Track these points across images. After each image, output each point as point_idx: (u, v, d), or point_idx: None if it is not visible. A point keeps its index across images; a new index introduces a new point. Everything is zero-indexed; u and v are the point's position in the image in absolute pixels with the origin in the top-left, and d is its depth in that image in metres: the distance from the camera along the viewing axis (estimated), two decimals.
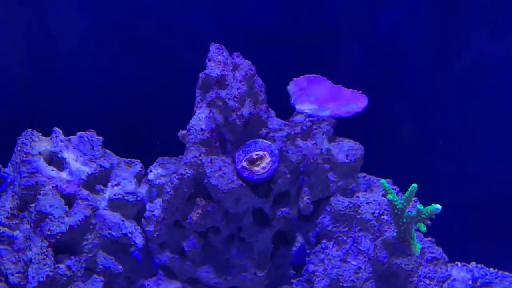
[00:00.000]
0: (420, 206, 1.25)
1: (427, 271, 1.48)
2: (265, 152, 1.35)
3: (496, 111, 1.80)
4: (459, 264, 2.18)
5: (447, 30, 1.74)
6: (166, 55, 1.80)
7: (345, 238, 1.43)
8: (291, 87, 1.68)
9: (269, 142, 1.38)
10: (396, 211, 1.27)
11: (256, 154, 1.33)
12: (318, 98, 1.68)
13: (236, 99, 1.36)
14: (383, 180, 1.29)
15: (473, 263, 2.09)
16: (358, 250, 1.39)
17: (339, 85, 1.70)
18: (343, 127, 1.66)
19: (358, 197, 1.50)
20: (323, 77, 1.72)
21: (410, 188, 1.23)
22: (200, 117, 1.39)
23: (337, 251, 1.40)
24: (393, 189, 1.57)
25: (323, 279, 1.37)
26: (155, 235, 1.43)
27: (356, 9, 1.77)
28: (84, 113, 1.84)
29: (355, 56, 1.84)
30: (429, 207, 1.23)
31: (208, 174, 1.33)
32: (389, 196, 1.26)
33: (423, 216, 1.23)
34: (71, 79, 1.84)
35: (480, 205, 1.89)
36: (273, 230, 1.42)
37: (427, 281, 1.47)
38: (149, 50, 1.80)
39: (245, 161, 1.34)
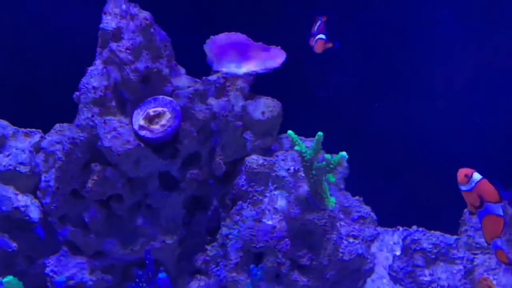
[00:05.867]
0: (328, 156, 1.17)
1: (351, 229, 1.42)
2: (165, 109, 1.24)
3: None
4: (401, 228, 2.17)
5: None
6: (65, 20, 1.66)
7: (260, 197, 1.34)
8: (208, 46, 1.59)
9: (171, 99, 1.27)
10: (305, 163, 1.19)
11: (154, 111, 1.22)
12: (237, 56, 1.59)
13: (128, 51, 1.23)
14: (290, 132, 1.21)
15: (414, 227, 2.08)
16: (274, 209, 1.31)
17: (260, 43, 1.62)
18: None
19: (277, 155, 1.42)
20: (243, 35, 1.63)
21: (316, 137, 1.15)
22: (93, 74, 1.26)
23: (251, 211, 1.31)
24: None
25: (236, 241, 1.29)
26: (52, 207, 1.30)
27: None
28: None
29: None
30: (336, 156, 1.15)
31: (101, 135, 1.21)
32: (297, 147, 1.17)
33: (331, 166, 1.16)
34: None
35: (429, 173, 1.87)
36: (182, 194, 1.32)
37: (351, 239, 1.41)
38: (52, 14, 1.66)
39: (142, 119, 1.22)
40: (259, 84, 1.57)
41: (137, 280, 0.89)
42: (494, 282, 1.41)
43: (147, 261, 0.90)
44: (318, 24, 1.51)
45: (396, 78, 1.84)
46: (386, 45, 1.81)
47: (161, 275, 0.82)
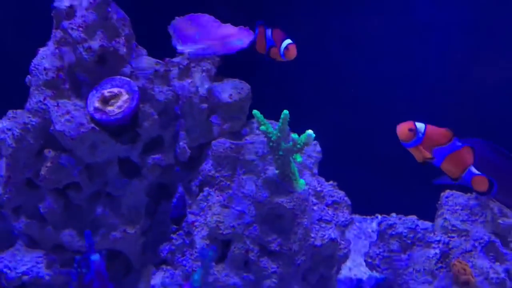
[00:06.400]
0: (295, 136, 1.12)
1: (323, 214, 1.37)
2: (121, 90, 1.16)
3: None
4: (379, 216, 2.13)
5: None
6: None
7: (228, 182, 1.28)
8: (172, 27, 1.52)
9: (128, 79, 1.20)
10: (271, 143, 1.13)
11: (109, 92, 1.15)
12: (203, 37, 1.53)
13: (80, 29, 1.16)
14: (255, 111, 1.15)
15: (393, 214, 2.04)
16: (242, 194, 1.25)
17: (228, 24, 1.56)
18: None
19: (246, 139, 1.36)
20: (211, 16, 1.56)
21: (282, 116, 1.09)
22: (44, 55, 1.18)
23: (218, 196, 1.25)
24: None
25: (202, 228, 1.22)
26: (4, 198, 1.22)
27: None
28: None
29: None
30: (303, 135, 1.10)
31: (53, 119, 1.13)
32: (262, 128, 1.12)
33: (298, 146, 1.10)
34: None
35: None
36: (144, 181, 1.25)
37: (323, 224, 1.35)
38: None
39: (97, 101, 1.15)
40: (231, 68, 1.52)
41: (75, 265, 0.82)
42: (470, 264, 1.38)
43: (87, 245, 0.84)
44: (270, 32, 1.34)
45: (373, 63, 1.80)
46: (355, 30, 1.78)
47: (94, 256, 0.75)
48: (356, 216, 2.08)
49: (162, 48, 1.46)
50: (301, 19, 1.77)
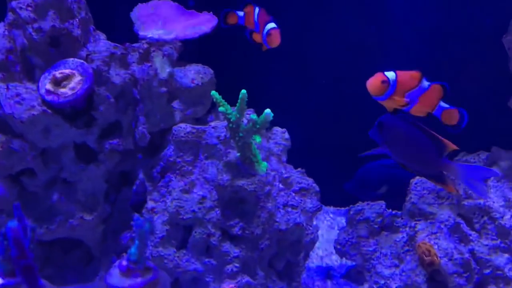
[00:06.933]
0: (253, 116, 1.10)
1: (289, 199, 1.35)
2: (74, 71, 1.12)
3: None
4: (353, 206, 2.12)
5: None
6: None
7: (190, 167, 1.25)
8: (135, 13, 1.49)
9: (82, 61, 1.16)
10: (231, 125, 1.11)
11: (61, 73, 1.11)
12: (165, 23, 1.50)
13: (29, 8, 1.11)
14: (214, 92, 1.12)
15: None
16: (204, 179, 1.22)
17: (192, 10, 1.54)
18: None
19: (209, 124, 1.33)
20: (174, 3, 1.54)
21: (240, 96, 1.07)
22: None
23: (179, 182, 1.22)
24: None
25: (163, 214, 1.19)
26: None
27: None
28: None
29: None
30: (262, 115, 1.08)
31: (2, 102, 1.08)
32: (221, 108, 1.09)
33: (257, 126, 1.08)
34: None
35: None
36: (101, 166, 1.21)
37: (289, 209, 1.34)
38: None
39: (49, 83, 1.11)
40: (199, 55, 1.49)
41: (1, 238, 0.78)
42: (436, 246, 1.38)
43: (16, 218, 0.80)
44: (257, 12, 1.20)
45: (344, 53, 1.79)
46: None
47: (11, 223, 0.72)
48: (331, 208, 2.07)
49: (125, 34, 1.43)
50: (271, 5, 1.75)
